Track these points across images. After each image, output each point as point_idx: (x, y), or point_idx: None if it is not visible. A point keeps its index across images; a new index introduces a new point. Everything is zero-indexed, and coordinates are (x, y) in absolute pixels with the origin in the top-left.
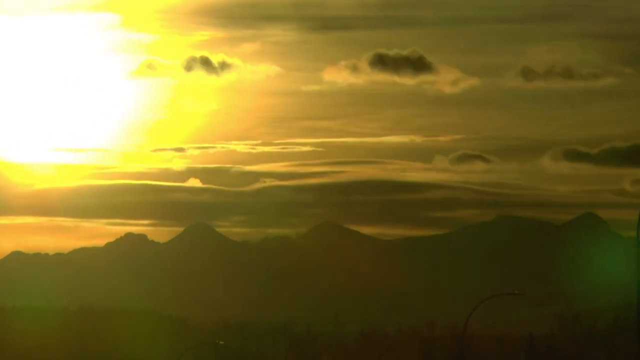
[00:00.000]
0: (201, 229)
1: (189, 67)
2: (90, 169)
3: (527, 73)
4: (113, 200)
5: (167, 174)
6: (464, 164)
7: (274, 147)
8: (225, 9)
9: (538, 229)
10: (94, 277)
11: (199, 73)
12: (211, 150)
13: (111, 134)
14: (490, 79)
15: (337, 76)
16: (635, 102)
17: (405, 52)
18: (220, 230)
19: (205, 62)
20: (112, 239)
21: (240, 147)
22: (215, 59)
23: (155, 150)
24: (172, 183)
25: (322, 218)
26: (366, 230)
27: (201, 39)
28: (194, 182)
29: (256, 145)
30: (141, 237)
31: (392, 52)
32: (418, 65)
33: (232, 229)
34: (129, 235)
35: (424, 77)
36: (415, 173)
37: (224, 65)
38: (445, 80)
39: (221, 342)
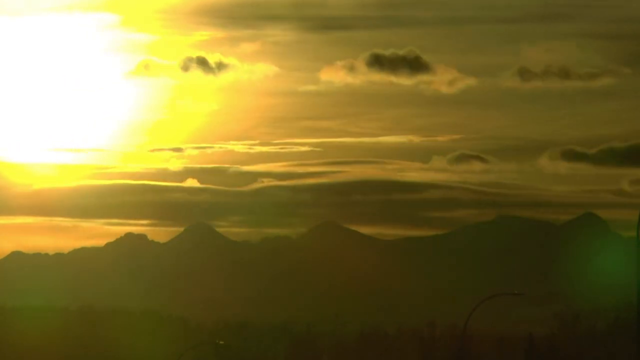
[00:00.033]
0: (201, 229)
1: (188, 67)
2: (89, 169)
3: (525, 73)
4: (113, 200)
5: (165, 174)
6: (462, 164)
7: (272, 147)
8: (224, 9)
9: (538, 229)
10: (94, 277)
11: (198, 73)
12: (209, 150)
13: (110, 134)
14: (488, 79)
15: (336, 76)
16: (633, 102)
17: (403, 52)
18: (220, 230)
19: (204, 62)
20: (112, 239)
21: (239, 147)
22: (214, 59)
23: (153, 150)
24: (171, 183)
25: (322, 218)
26: (366, 230)
27: (200, 39)
28: (192, 183)
29: (254, 145)
30: (141, 237)
31: (390, 52)
32: (416, 65)
33: (232, 229)
34: (129, 235)
35: (422, 77)
36: (413, 173)
37: (222, 66)
38: (443, 80)
39: (221, 342)
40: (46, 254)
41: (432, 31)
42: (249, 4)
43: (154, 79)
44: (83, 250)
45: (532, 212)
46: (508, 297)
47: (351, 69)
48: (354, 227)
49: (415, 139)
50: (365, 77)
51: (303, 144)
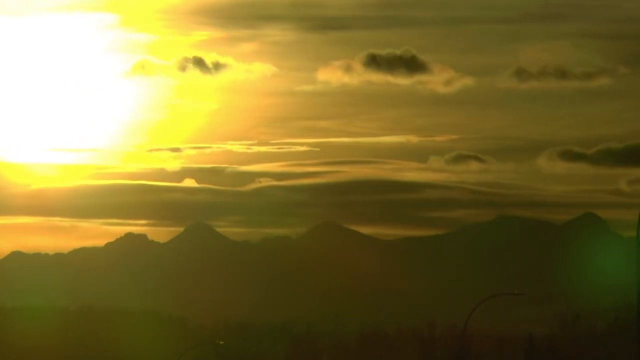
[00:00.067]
0: (201, 229)
1: (186, 67)
2: (88, 169)
3: (523, 73)
4: (113, 200)
5: (163, 174)
6: (460, 164)
7: (270, 147)
8: (223, 9)
9: (538, 229)
10: (94, 277)
11: (197, 73)
12: (207, 150)
13: (109, 134)
14: (486, 79)
15: (334, 76)
16: (631, 102)
17: (401, 52)
18: (220, 230)
19: (203, 63)
20: (112, 239)
21: (237, 147)
22: (213, 59)
23: (151, 150)
24: (169, 183)
25: (322, 218)
26: (366, 230)
27: (200, 39)
28: (189, 183)
29: (252, 145)
30: (141, 237)
31: (388, 52)
32: (415, 65)
33: (232, 229)
34: (129, 235)
35: (421, 77)
36: (411, 173)
37: (221, 66)
38: (442, 80)
39: (221, 342)
40: (46, 254)
41: (431, 31)
42: (248, 4)
43: (152, 79)
44: (83, 250)
45: (532, 212)
46: (508, 297)
47: (349, 69)
48: (353, 227)
49: (413, 139)
50: (363, 77)
51: (301, 143)
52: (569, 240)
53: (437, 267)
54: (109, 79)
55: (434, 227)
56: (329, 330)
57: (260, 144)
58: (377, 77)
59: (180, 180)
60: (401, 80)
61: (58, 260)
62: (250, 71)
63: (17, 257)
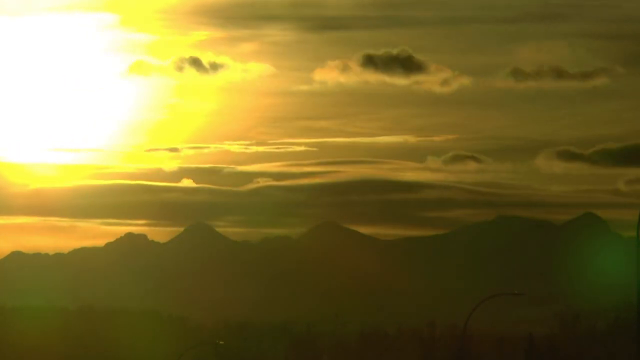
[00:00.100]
0: (201, 229)
1: (186, 68)
2: (87, 169)
3: (521, 73)
4: (112, 200)
5: (161, 175)
6: (458, 164)
7: (268, 147)
8: (223, 9)
9: (538, 229)
10: (94, 277)
11: (196, 73)
12: (205, 150)
13: (107, 134)
14: (484, 79)
15: (333, 76)
16: (629, 102)
17: (400, 52)
18: (220, 230)
19: (202, 63)
20: (112, 239)
21: (235, 147)
22: (212, 59)
23: (149, 150)
24: (167, 183)
25: (321, 218)
26: (366, 230)
27: (199, 39)
28: (187, 183)
29: (250, 145)
30: (141, 237)
31: (387, 52)
32: (413, 65)
33: (232, 229)
34: (129, 235)
35: (419, 77)
36: (409, 173)
37: (220, 66)
38: (441, 80)
39: (221, 342)
40: (46, 254)
41: (431, 31)
42: (247, 4)
43: (152, 79)
44: (83, 250)
45: (531, 212)
46: (508, 297)
47: (348, 69)
48: (353, 227)
49: (411, 139)
50: (362, 77)
51: (299, 143)
52: (569, 240)
53: (437, 267)
54: (109, 79)
55: (434, 227)
56: (329, 330)
57: (258, 144)
58: (376, 77)
59: (178, 181)
60: (399, 80)
61: (58, 260)
62: (249, 71)
63: (17, 257)
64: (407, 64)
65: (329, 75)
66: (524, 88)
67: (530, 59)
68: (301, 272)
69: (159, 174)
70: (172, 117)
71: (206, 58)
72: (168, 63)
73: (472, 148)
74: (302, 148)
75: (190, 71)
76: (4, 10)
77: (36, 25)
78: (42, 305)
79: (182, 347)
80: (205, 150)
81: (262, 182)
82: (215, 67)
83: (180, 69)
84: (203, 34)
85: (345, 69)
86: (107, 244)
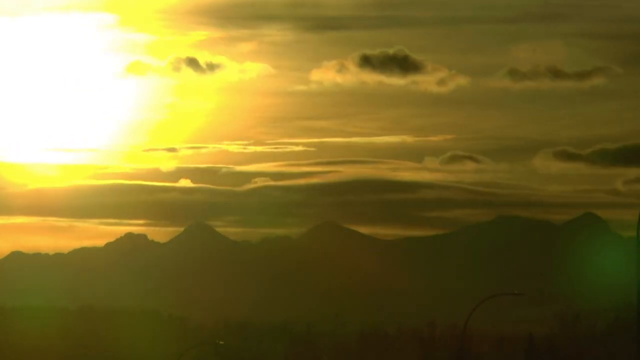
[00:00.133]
0: (201, 229)
1: (185, 68)
2: (86, 169)
3: (517, 73)
4: (111, 200)
5: (158, 175)
6: (457, 164)
7: (266, 147)
8: (222, 9)
9: (538, 229)
10: (94, 277)
11: (195, 73)
12: (203, 150)
13: (106, 134)
14: (482, 79)
15: (331, 76)
16: (627, 102)
17: (399, 52)
18: (220, 230)
19: (202, 62)
20: (112, 239)
21: (233, 147)
22: (212, 59)
23: (147, 150)
24: (165, 183)
25: (320, 218)
26: (366, 230)
27: (198, 39)
28: (185, 183)
29: (248, 145)
30: (141, 237)
31: (385, 52)
32: (412, 65)
33: (232, 229)
34: (129, 235)
35: (418, 77)
36: (408, 173)
37: (220, 66)
38: (439, 80)
39: (221, 342)
40: (46, 254)
41: (431, 31)
42: (246, 4)
43: (150, 79)
44: (83, 250)
45: (530, 212)
46: (508, 297)
47: (347, 69)
48: (353, 227)
49: (409, 139)
50: (360, 77)
51: (297, 143)
52: (568, 240)
53: (437, 267)
54: (107, 79)
55: (434, 227)
56: (329, 330)
57: (256, 143)
58: (374, 77)
59: (176, 181)
60: (397, 80)
61: (58, 260)
62: (248, 71)
63: (17, 257)
64: (407, 64)
65: (328, 75)
66: (522, 88)
67: (529, 59)
68: (301, 272)
69: (157, 174)
70: (171, 117)
71: (205, 58)
72: (167, 63)
73: (470, 148)
74: (301, 148)
75: (189, 71)
76: (3, 10)
77: (35, 26)
78: (42, 305)
79: (182, 347)
80: (203, 150)
81: (260, 182)
82: (213, 67)
83: (179, 69)
84: (202, 34)
85: (346, 69)
86: (107, 244)
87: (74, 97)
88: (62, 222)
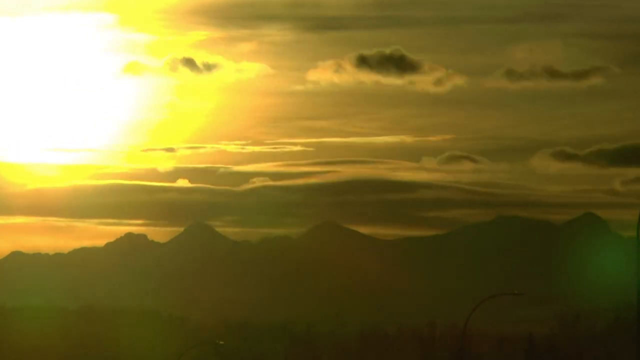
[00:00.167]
0: (201, 229)
1: (184, 68)
2: (85, 169)
3: (515, 73)
4: (111, 200)
5: (156, 175)
6: (455, 164)
7: (264, 147)
8: (222, 9)
9: (538, 229)
10: (94, 277)
11: (195, 73)
12: (201, 150)
13: (106, 134)
14: (481, 79)
15: (330, 76)
16: (626, 102)
17: (398, 53)
18: (220, 230)
19: (201, 62)
20: (112, 239)
21: (231, 147)
22: (211, 60)
23: (145, 150)
24: (163, 183)
25: (319, 218)
26: (366, 230)
27: (198, 39)
28: (183, 183)
29: (246, 145)
30: (141, 237)
31: (385, 52)
32: (411, 65)
33: (232, 229)
34: (129, 235)
35: (416, 77)
36: (407, 173)
37: (218, 66)
38: (438, 80)
39: (221, 342)
40: (46, 254)
41: (431, 31)
42: (246, 4)
43: (149, 79)
44: (83, 250)
45: (529, 212)
46: (508, 297)
47: (345, 69)
48: (353, 227)
49: (407, 139)
50: (359, 77)
51: (295, 143)
52: (569, 240)
53: (437, 267)
54: (107, 79)
55: (433, 227)
56: (329, 330)
57: (254, 143)
58: (373, 77)
59: (174, 181)
60: (395, 80)
61: (58, 260)
62: (247, 71)
63: (17, 257)
64: (407, 65)
65: (326, 76)
66: (520, 88)
67: (527, 59)
68: (301, 272)
69: (154, 174)
70: (170, 117)
71: (204, 58)
72: (166, 63)
73: (469, 148)
74: (299, 148)
75: (189, 71)
76: (3, 10)
77: (35, 26)
78: (42, 305)
79: (182, 347)
80: (201, 150)
81: (259, 182)
82: (213, 67)
83: (178, 69)
84: (201, 34)
85: (344, 69)
86: (107, 244)
87: (74, 97)
88: (62, 222)
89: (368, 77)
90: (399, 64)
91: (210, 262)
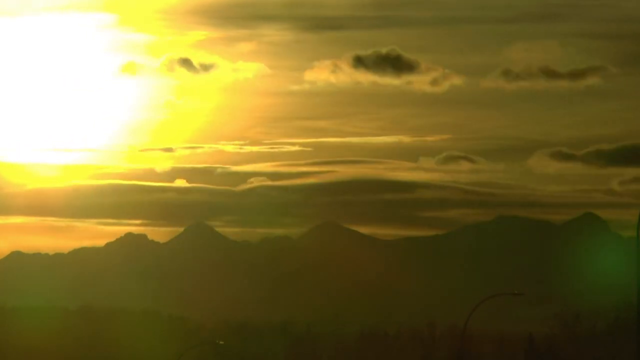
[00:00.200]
0: (201, 229)
1: (183, 68)
2: (84, 169)
3: (513, 73)
4: (110, 200)
5: (153, 175)
6: (453, 164)
7: (262, 147)
8: (221, 9)
9: (538, 229)
10: (94, 277)
11: (193, 73)
12: (199, 150)
13: (105, 134)
14: (480, 79)
15: (329, 76)
16: (623, 102)
17: (395, 52)
18: (220, 230)
19: (199, 63)
20: (112, 239)
21: (229, 147)
22: (210, 59)
23: (143, 151)
24: (161, 183)
25: (318, 218)
26: (366, 230)
27: (197, 39)
28: (180, 183)
29: (244, 145)
30: (141, 237)
31: (384, 52)
32: (410, 65)
33: (231, 229)
34: (129, 235)
35: (415, 77)
36: (405, 173)
37: (217, 66)
38: (437, 80)
39: (221, 342)
40: (46, 254)
41: (431, 31)
42: (245, 4)
43: (149, 79)
44: (83, 250)
45: (530, 212)
46: (508, 297)
47: (343, 69)
48: (353, 227)
49: (405, 139)
50: (357, 77)
51: (293, 143)
52: (569, 240)
53: (437, 267)
54: (107, 79)
55: (433, 227)
56: (329, 330)
57: (252, 143)
58: (371, 78)
59: (171, 181)
60: (392, 80)
61: (58, 260)
62: (246, 71)
63: (17, 257)
64: (405, 65)
65: (324, 76)
66: (518, 88)
67: (525, 59)
68: (301, 272)
69: (152, 175)
70: (169, 117)
71: (203, 58)
72: (165, 63)
73: (466, 148)
74: (297, 148)
75: (188, 71)
76: (3, 10)
77: (35, 26)
78: (42, 305)
79: (182, 347)
80: (199, 151)
81: (257, 182)
82: (212, 67)
83: (177, 69)
84: (201, 34)
85: (342, 69)
86: (107, 244)
87: (73, 97)
88: (62, 222)
89: (365, 77)
90: (396, 63)
91: (210, 262)
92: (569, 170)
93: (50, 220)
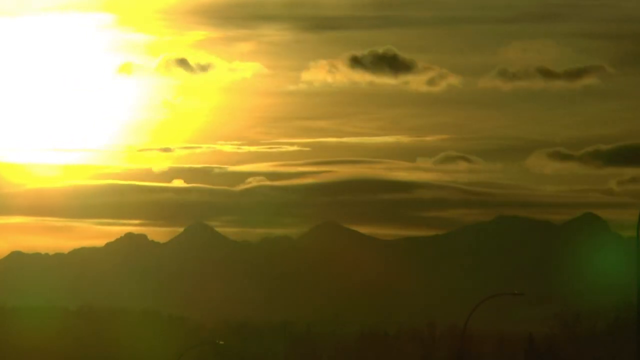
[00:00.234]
0: (201, 229)
1: (183, 68)
2: (83, 170)
3: (512, 73)
4: (109, 200)
5: (151, 175)
6: (451, 164)
7: (260, 147)
8: (221, 9)
9: (538, 229)
10: (94, 277)
11: (193, 73)
12: (197, 150)
13: (104, 134)
14: (479, 79)
15: (328, 76)
16: (622, 102)
17: (392, 52)
18: (220, 230)
19: (199, 63)
20: (112, 239)
21: (227, 147)
22: (210, 59)
23: (141, 151)
24: (158, 183)
25: (318, 218)
26: (366, 230)
27: (196, 39)
28: (178, 183)
29: (243, 145)
30: (141, 237)
31: (383, 52)
32: (409, 65)
33: (231, 229)
34: (129, 235)
35: (411, 77)
36: (404, 173)
37: (216, 66)
38: (432, 80)
39: (221, 342)
40: (46, 254)
41: (431, 31)
42: (245, 4)
43: (147, 79)
44: (83, 250)
45: (530, 212)
46: (508, 297)
47: (343, 69)
48: (353, 227)
49: (403, 139)
50: (351, 77)
51: (292, 143)
52: (569, 240)
53: (437, 267)
54: (106, 79)
55: (432, 227)
56: (329, 330)
57: (250, 143)
58: (368, 78)
59: (169, 181)
60: (389, 80)
61: (58, 260)
62: (245, 71)
63: (17, 257)
64: (404, 65)
65: (321, 76)
66: (515, 88)
67: (522, 59)
68: (301, 272)
69: (149, 175)
70: (167, 117)
71: (202, 58)
72: (163, 63)
73: (464, 148)
74: (295, 148)
75: (186, 71)
76: (3, 10)
77: (35, 26)
78: (42, 305)
79: (182, 347)
80: (197, 151)
81: (255, 182)
82: (210, 67)
83: (175, 69)
84: (200, 33)
85: (342, 68)
86: (107, 244)
87: (73, 97)
88: (61, 222)
89: (362, 77)
90: (392, 63)
91: (210, 262)
92: (567, 170)
93: (50, 220)
